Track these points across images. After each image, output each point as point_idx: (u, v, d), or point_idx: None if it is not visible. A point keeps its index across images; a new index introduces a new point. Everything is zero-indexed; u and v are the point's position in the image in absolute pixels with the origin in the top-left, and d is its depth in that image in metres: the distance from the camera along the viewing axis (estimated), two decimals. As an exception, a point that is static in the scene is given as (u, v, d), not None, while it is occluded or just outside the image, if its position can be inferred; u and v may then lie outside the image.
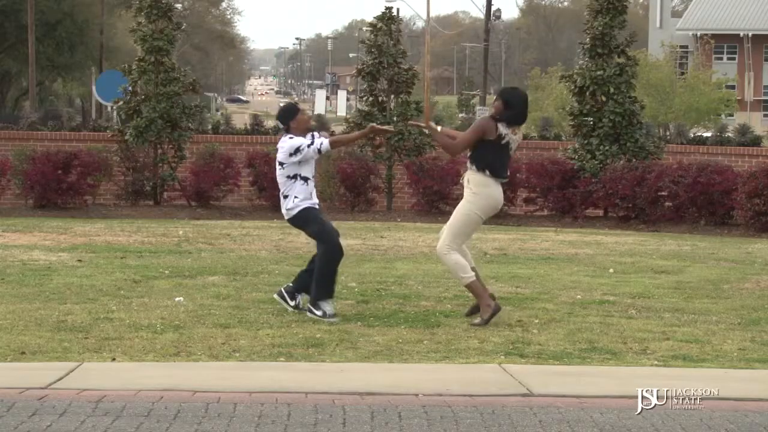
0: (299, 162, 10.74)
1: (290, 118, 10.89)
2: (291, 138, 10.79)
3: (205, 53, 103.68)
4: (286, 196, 10.85)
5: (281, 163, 10.81)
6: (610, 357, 9.22)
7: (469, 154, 10.64)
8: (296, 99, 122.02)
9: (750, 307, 11.87)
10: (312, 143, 10.71)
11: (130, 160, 25.09)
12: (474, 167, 10.55)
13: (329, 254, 10.68)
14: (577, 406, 7.44)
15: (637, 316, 11.14)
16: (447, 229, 10.63)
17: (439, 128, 11.03)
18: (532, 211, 24.03)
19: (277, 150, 10.96)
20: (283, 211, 10.96)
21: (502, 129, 10.49)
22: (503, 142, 10.51)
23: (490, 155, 10.51)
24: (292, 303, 10.90)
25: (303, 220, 10.83)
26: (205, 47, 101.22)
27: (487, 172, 10.51)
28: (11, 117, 44.66)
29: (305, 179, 10.80)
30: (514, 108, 10.53)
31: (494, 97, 10.95)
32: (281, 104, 13.50)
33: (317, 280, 10.65)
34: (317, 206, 10.93)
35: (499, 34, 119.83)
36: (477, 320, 10.49)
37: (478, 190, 10.52)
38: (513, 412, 7.27)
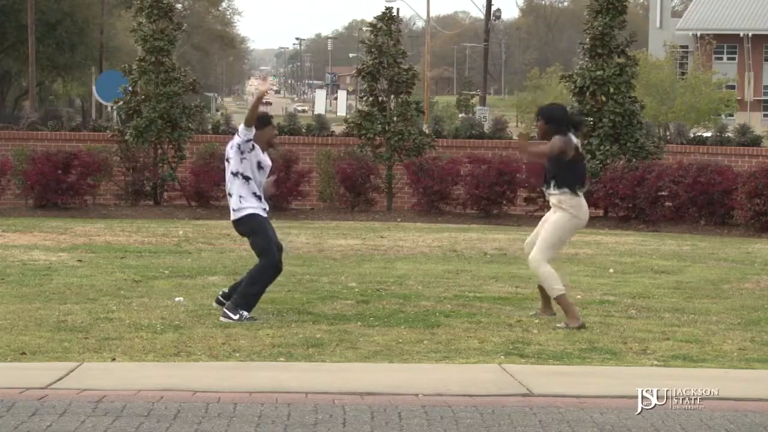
0: (241, 158, 10.53)
1: (259, 126, 10.63)
2: None
3: (205, 53, 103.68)
4: (230, 195, 10.66)
5: (227, 159, 10.68)
6: (610, 357, 9.21)
7: (552, 177, 10.51)
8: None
9: (750, 307, 11.87)
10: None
11: (130, 160, 25.09)
12: (564, 189, 10.47)
13: (267, 273, 10.58)
14: (577, 406, 7.44)
15: (637, 316, 11.14)
16: (540, 240, 10.60)
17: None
18: (532, 211, 24.00)
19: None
20: (231, 211, 10.72)
21: (575, 141, 10.49)
22: (580, 151, 10.56)
23: (574, 174, 10.51)
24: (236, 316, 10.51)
25: (249, 227, 10.63)
26: (205, 47, 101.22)
27: (578, 191, 10.52)
28: (11, 117, 44.70)
29: (246, 179, 10.57)
30: (558, 122, 10.47)
31: (535, 119, 10.87)
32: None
33: (245, 291, 10.51)
34: (265, 212, 10.69)
35: (499, 34, 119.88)
36: (561, 324, 10.43)
37: (572, 210, 10.52)
38: (513, 412, 7.27)
